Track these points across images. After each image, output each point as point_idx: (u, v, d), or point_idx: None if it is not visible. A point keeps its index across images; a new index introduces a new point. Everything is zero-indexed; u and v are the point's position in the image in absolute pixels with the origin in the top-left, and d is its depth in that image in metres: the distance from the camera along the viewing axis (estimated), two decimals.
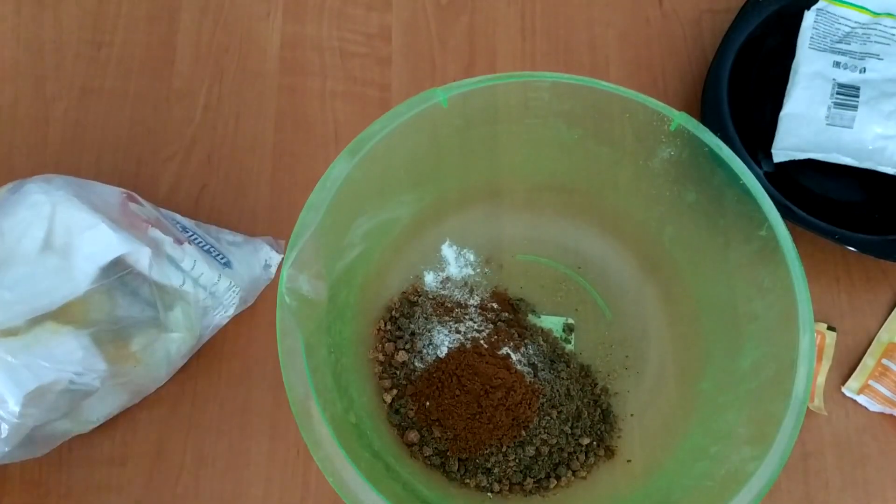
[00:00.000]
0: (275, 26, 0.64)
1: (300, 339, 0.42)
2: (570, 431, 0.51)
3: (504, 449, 0.50)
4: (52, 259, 0.45)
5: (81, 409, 0.48)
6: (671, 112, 0.48)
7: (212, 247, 0.52)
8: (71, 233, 0.45)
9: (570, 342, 0.55)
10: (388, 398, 0.52)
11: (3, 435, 0.44)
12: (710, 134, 0.48)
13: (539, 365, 0.52)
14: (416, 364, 0.52)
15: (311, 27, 0.64)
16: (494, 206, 0.57)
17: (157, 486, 0.52)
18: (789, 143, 0.58)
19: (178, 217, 0.54)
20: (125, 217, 0.48)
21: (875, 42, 0.60)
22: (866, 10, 0.61)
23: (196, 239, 0.52)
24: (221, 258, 0.52)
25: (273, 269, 0.56)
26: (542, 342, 0.54)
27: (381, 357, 0.53)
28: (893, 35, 0.60)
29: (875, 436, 0.55)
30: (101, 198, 0.48)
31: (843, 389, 0.56)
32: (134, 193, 0.51)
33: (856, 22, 0.61)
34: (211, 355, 0.55)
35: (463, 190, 0.56)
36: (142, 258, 0.46)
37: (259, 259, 0.55)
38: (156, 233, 0.48)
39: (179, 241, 0.49)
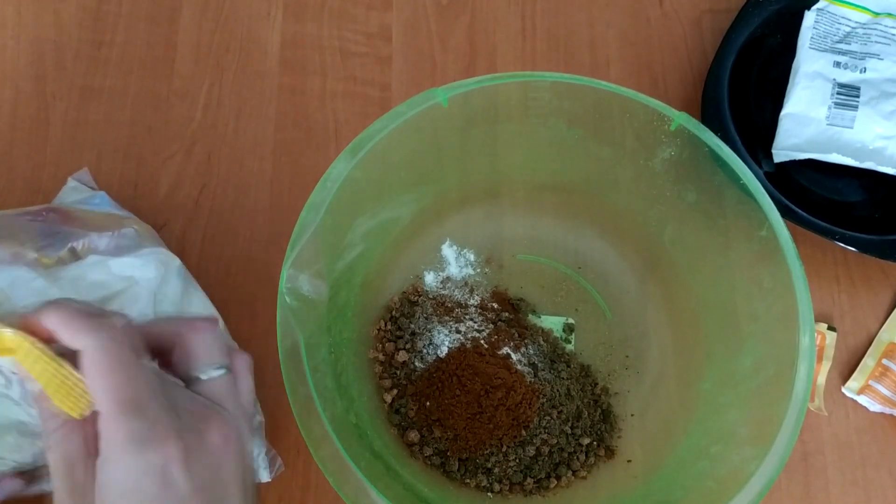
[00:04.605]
0: (275, 26, 0.64)
1: (300, 339, 0.42)
2: (570, 431, 0.51)
3: (504, 449, 0.50)
4: None
5: None
6: (671, 112, 0.48)
7: None
8: None
9: (570, 342, 0.55)
10: (389, 398, 0.52)
11: None
12: (711, 134, 0.48)
13: (539, 365, 0.52)
14: (417, 364, 0.52)
15: (311, 26, 0.64)
16: (494, 206, 0.57)
17: None
18: (789, 143, 0.58)
19: None
20: None
21: (875, 42, 0.60)
22: (866, 10, 0.61)
23: None
24: None
25: None
26: (542, 342, 0.54)
27: (381, 357, 0.53)
28: (894, 35, 0.60)
29: (875, 436, 0.55)
30: None
31: (843, 389, 0.56)
32: None
33: (856, 22, 0.61)
34: None
35: (463, 190, 0.56)
36: None
37: None
38: None
39: None
